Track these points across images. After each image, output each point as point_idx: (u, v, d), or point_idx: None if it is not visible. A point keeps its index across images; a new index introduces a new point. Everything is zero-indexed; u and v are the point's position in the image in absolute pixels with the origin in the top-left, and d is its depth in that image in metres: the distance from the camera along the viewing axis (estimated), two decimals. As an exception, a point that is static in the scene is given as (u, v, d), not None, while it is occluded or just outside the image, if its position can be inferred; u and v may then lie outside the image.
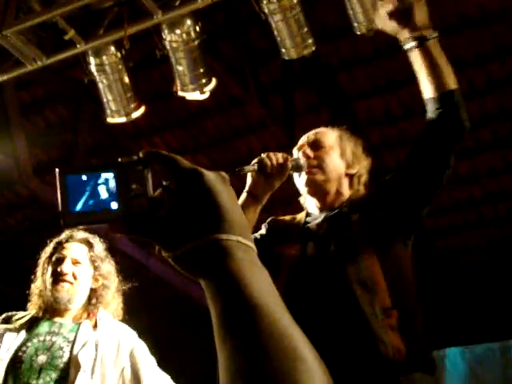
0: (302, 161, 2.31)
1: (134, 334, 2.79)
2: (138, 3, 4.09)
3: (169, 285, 7.00)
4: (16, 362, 2.57)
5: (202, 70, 4.26)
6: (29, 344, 2.62)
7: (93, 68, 4.29)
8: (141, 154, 0.79)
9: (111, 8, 4.21)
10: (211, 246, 0.72)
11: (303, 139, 2.43)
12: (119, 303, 2.83)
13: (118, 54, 4.25)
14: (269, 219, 2.45)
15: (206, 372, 3.89)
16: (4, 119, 5.78)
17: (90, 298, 2.75)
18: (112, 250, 3.01)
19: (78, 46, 4.23)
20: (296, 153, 2.39)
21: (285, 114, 5.94)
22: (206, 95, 4.36)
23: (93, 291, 2.76)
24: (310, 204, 2.41)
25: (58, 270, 2.70)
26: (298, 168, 2.30)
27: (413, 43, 2.15)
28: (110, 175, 0.80)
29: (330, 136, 2.41)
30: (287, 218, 2.47)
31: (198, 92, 4.32)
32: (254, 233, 2.37)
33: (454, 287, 7.56)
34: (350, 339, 2.08)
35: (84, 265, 2.76)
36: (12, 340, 2.65)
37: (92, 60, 4.27)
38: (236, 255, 0.72)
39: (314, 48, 4.18)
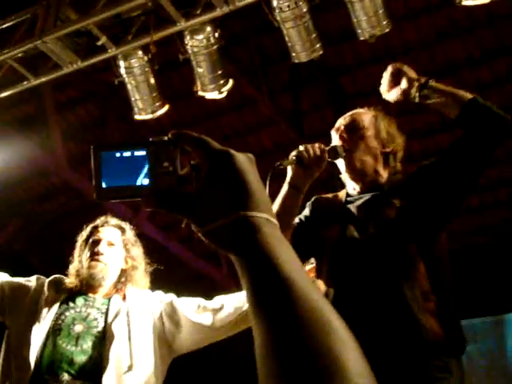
0: (339, 148, 2.22)
1: (160, 292, 2.81)
2: (162, 12, 4.09)
3: (187, 265, 7.05)
4: (55, 330, 2.58)
5: (220, 72, 4.25)
6: (66, 314, 2.63)
7: (122, 70, 4.29)
8: (170, 135, 0.77)
9: (139, 16, 4.21)
10: (241, 222, 0.70)
11: (340, 121, 2.33)
12: (147, 282, 2.84)
13: (145, 58, 4.24)
14: (312, 199, 2.36)
15: (225, 347, 3.86)
16: (42, 117, 5.84)
17: (120, 277, 2.76)
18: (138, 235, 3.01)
19: (109, 50, 4.24)
20: (334, 134, 2.30)
21: (293, 112, 5.95)
22: (224, 95, 4.34)
23: (123, 271, 2.77)
24: (350, 185, 2.31)
25: (95, 250, 2.72)
26: (335, 156, 2.21)
27: (418, 95, 2.16)
28: (142, 153, 0.78)
29: (365, 117, 2.31)
30: (329, 196, 2.37)
31: (216, 92, 4.30)
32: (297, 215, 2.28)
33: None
34: (392, 323, 2.01)
35: (117, 247, 2.78)
36: (52, 305, 2.66)
37: (122, 63, 4.27)
38: (265, 231, 0.69)
39: (321, 52, 4.14)
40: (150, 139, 0.79)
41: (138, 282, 2.79)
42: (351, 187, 2.30)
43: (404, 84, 2.18)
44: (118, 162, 0.78)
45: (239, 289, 2.55)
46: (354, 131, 2.26)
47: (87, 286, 2.72)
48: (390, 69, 2.23)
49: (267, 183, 2.01)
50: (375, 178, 2.25)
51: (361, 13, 3.94)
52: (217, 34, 4.16)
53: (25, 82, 4.49)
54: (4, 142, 5.72)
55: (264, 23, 4.35)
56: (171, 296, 2.76)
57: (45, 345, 2.54)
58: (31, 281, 2.76)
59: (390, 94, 2.22)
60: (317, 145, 2.16)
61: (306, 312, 0.63)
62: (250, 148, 6.25)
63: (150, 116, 4.43)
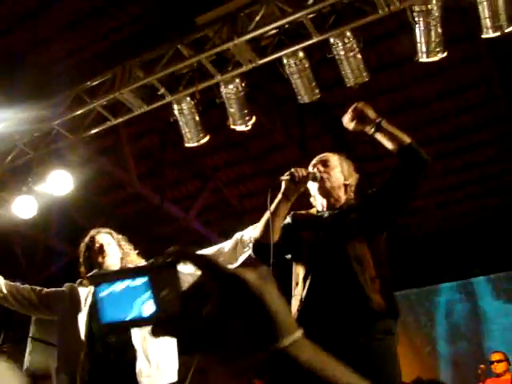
0: (318, 174, 2.34)
1: None
2: (204, 69, 4.20)
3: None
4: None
5: (246, 111, 4.30)
6: None
7: (176, 112, 4.37)
8: (169, 254, 0.55)
9: (187, 73, 4.31)
10: (277, 355, 0.50)
11: (316, 159, 2.44)
12: (140, 259, 2.93)
13: (192, 102, 4.32)
14: (291, 213, 2.42)
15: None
16: (118, 145, 5.96)
17: (121, 262, 2.88)
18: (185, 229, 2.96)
19: (166, 98, 4.34)
20: (311, 168, 2.41)
21: (300, 139, 5.99)
22: (249, 127, 4.40)
23: (121, 258, 2.89)
24: (319, 203, 2.41)
25: (101, 250, 2.84)
26: (315, 178, 2.34)
27: (373, 130, 2.24)
28: (143, 280, 0.57)
29: (333, 158, 2.43)
30: (303, 212, 2.46)
31: (244, 125, 4.36)
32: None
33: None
34: (351, 298, 2.11)
35: (113, 244, 2.90)
36: (86, 292, 2.76)
37: (175, 106, 4.36)
38: (302, 353, 0.51)
39: (319, 95, 4.21)
40: (150, 261, 0.59)
41: (133, 262, 2.90)
42: (320, 204, 2.40)
43: (365, 121, 2.26)
44: (120, 293, 0.57)
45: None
46: (326, 166, 2.38)
47: None
48: (356, 106, 2.29)
49: (268, 193, 2.20)
50: (337, 199, 2.38)
51: (347, 68, 4.03)
52: (243, 84, 4.23)
53: (107, 122, 4.63)
54: (91, 163, 5.89)
55: (277, 75, 4.40)
56: None
57: (91, 318, 2.63)
58: (64, 287, 2.88)
59: (350, 125, 2.29)
60: (303, 169, 2.29)
61: None
62: (269, 166, 6.37)
63: (196, 144, 4.49)
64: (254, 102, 5.15)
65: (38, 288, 2.89)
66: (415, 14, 3.75)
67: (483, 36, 3.65)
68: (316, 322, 2.10)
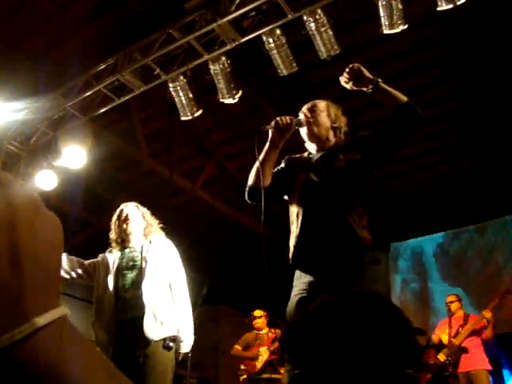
0: (302, 119, 2.22)
1: (170, 243, 2.95)
2: (194, 50, 4.14)
3: (230, 218, 7.06)
4: (120, 269, 2.85)
5: (232, 86, 4.22)
6: (123, 260, 2.88)
7: (171, 89, 4.31)
8: None
9: (180, 54, 4.25)
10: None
11: (304, 107, 2.31)
12: (160, 231, 3.00)
13: (184, 80, 4.26)
14: (286, 157, 2.35)
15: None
16: (132, 128, 5.94)
17: (144, 231, 2.94)
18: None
19: (162, 77, 4.29)
20: (300, 114, 2.29)
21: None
22: (236, 100, 4.31)
23: (144, 228, 2.95)
24: (310, 147, 2.29)
25: (126, 219, 2.93)
26: (299, 124, 2.22)
27: (371, 90, 2.12)
28: None
29: (321, 104, 2.30)
30: (297, 156, 2.36)
31: (231, 99, 4.28)
32: (276, 167, 2.28)
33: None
34: (339, 234, 2.01)
35: (137, 215, 2.97)
36: (114, 258, 2.90)
37: (170, 85, 4.30)
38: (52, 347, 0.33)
39: (296, 68, 4.11)
40: None
41: (155, 233, 2.95)
42: (311, 148, 2.29)
43: (362, 81, 2.14)
44: None
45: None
46: (312, 111, 2.26)
47: (127, 241, 2.93)
48: (352, 66, 2.15)
49: (255, 142, 2.11)
50: (326, 142, 2.25)
51: (319, 42, 3.92)
52: (229, 61, 4.15)
53: (112, 102, 4.59)
54: (110, 144, 5.90)
55: (266, 59, 4.22)
56: (169, 248, 2.92)
57: (117, 278, 2.80)
58: (98, 257, 2.99)
59: (348, 84, 2.17)
60: (288, 116, 2.19)
61: None
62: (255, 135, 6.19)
63: (190, 117, 4.41)
64: (247, 85, 5.04)
65: (82, 261, 3.02)
66: (378, -10, 3.66)
67: (438, 9, 3.55)
68: (310, 257, 2.05)
